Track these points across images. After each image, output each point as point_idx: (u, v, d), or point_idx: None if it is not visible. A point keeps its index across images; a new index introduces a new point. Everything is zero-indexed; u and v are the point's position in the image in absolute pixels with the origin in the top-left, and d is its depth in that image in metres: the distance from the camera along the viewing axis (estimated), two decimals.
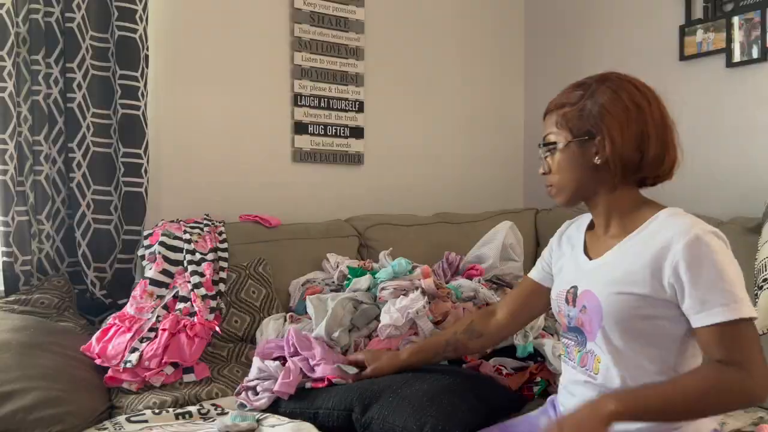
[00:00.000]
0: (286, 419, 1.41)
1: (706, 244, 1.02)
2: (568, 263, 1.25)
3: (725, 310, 0.99)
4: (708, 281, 1.00)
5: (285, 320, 1.90)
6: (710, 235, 1.03)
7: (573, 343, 1.19)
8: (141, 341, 1.69)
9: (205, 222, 2.13)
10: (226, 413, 1.46)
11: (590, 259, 1.19)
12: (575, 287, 1.18)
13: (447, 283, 2.06)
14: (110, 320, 1.78)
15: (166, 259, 1.93)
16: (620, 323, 1.09)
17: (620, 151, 1.11)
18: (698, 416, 1.05)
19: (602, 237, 1.19)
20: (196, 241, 2.00)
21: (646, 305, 1.06)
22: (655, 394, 1.00)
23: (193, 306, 1.81)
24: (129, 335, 1.71)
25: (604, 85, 1.15)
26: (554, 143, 1.19)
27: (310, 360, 1.57)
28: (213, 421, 1.44)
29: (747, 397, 1.00)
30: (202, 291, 1.85)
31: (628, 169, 1.12)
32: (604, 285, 1.12)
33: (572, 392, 1.19)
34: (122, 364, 1.61)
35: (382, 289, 1.84)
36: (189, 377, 1.67)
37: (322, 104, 2.55)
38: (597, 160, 1.13)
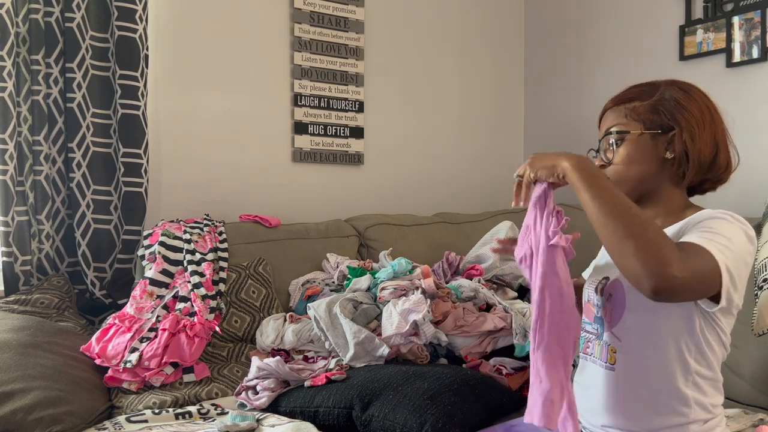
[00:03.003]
0: (286, 419, 1.41)
1: (723, 218, 1.03)
2: (607, 255, 1.26)
3: (700, 238, 0.98)
4: (704, 228, 1.02)
5: (285, 320, 1.90)
6: (733, 218, 1.04)
7: (594, 336, 1.20)
8: (141, 341, 1.69)
9: (205, 222, 2.13)
10: (226, 413, 1.46)
11: None
12: (607, 278, 1.19)
13: (447, 283, 2.06)
14: (110, 320, 1.78)
15: (166, 259, 1.93)
16: (638, 311, 1.09)
17: (699, 146, 1.13)
18: (622, 231, 0.98)
19: None
20: (196, 241, 2.00)
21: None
22: (611, 185, 1.02)
23: (193, 306, 1.81)
24: (129, 335, 1.71)
25: (674, 86, 1.18)
26: (625, 132, 1.17)
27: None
28: (213, 421, 1.44)
29: (656, 266, 0.92)
30: (202, 291, 1.85)
31: (702, 168, 1.14)
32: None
33: (586, 386, 1.19)
34: (122, 364, 1.61)
35: (382, 289, 1.84)
36: (189, 377, 1.67)
37: (322, 104, 2.55)
38: (668, 155, 1.14)
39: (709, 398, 1.08)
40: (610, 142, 1.19)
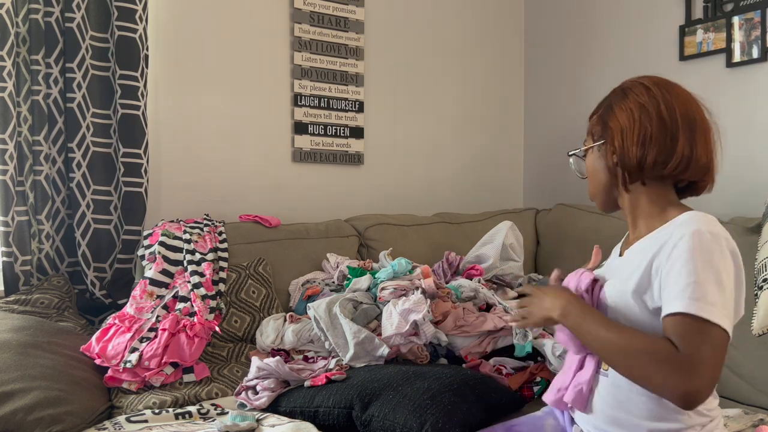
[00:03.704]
0: (286, 419, 1.41)
1: (699, 239, 0.99)
2: (609, 261, 1.28)
3: (689, 303, 0.96)
4: (687, 271, 0.98)
5: (285, 320, 1.90)
6: (711, 235, 1.00)
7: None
8: (141, 341, 1.69)
9: (205, 222, 2.13)
10: (226, 413, 1.46)
11: (620, 256, 1.22)
12: (599, 280, 1.20)
13: (447, 283, 2.06)
14: (110, 320, 1.78)
15: (165, 259, 1.93)
16: (618, 318, 1.10)
17: (620, 152, 1.12)
18: (623, 369, 1.02)
19: (631, 236, 1.21)
20: (196, 241, 2.00)
21: (642, 302, 1.06)
22: (601, 325, 1.03)
23: (192, 306, 1.81)
24: (129, 335, 1.71)
25: (620, 89, 1.17)
26: (577, 150, 1.24)
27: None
28: (213, 421, 1.44)
29: (677, 388, 0.94)
30: (202, 291, 1.85)
31: (633, 171, 1.12)
32: (612, 281, 1.14)
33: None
34: (122, 364, 1.61)
35: (382, 289, 1.84)
36: (189, 377, 1.67)
37: (322, 104, 2.55)
38: (609, 163, 1.16)
39: (704, 404, 1.08)
40: (571, 162, 1.25)
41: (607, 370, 1.13)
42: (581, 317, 1.08)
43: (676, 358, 0.95)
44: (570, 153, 1.26)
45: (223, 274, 1.97)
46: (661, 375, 0.95)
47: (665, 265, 1.01)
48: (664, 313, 1.00)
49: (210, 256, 1.97)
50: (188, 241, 1.99)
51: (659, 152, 1.09)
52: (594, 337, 1.05)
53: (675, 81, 1.17)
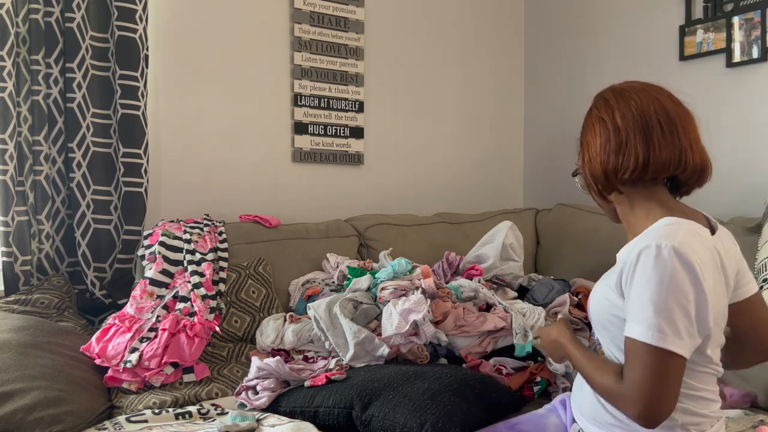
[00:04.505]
0: (286, 419, 1.41)
1: (655, 256, 0.99)
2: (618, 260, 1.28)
3: (633, 326, 1.01)
4: (635, 292, 1.01)
5: (285, 320, 1.90)
6: (669, 251, 0.99)
7: (592, 332, 1.24)
8: (141, 341, 1.69)
9: (205, 222, 2.13)
10: (226, 413, 1.46)
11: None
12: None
13: (447, 283, 2.06)
14: (110, 320, 1.78)
15: (166, 259, 1.93)
16: (598, 321, 1.14)
17: (588, 166, 1.16)
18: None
19: (628, 240, 1.21)
20: (196, 241, 2.00)
21: (615, 308, 1.09)
22: (579, 362, 1.15)
23: (193, 306, 1.81)
24: (129, 335, 1.71)
25: (591, 105, 1.21)
26: (575, 170, 1.26)
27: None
28: (213, 421, 1.44)
29: (627, 413, 1.03)
30: (202, 291, 1.85)
31: (598, 181, 1.15)
32: (599, 285, 1.17)
33: (582, 383, 1.21)
34: (122, 364, 1.61)
35: (382, 289, 1.84)
36: (189, 377, 1.67)
37: (322, 104, 2.55)
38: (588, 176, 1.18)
39: (699, 408, 1.08)
40: (576, 180, 1.26)
41: None
42: (571, 357, 1.20)
43: (617, 390, 1.03)
44: (573, 174, 1.29)
45: (223, 274, 1.97)
46: (613, 405, 1.06)
47: (625, 284, 1.05)
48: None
49: (210, 256, 1.97)
50: (188, 241, 1.99)
51: (616, 159, 1.11)
52: (580, 372, 1.16)
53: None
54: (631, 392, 1.00)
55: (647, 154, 1.09)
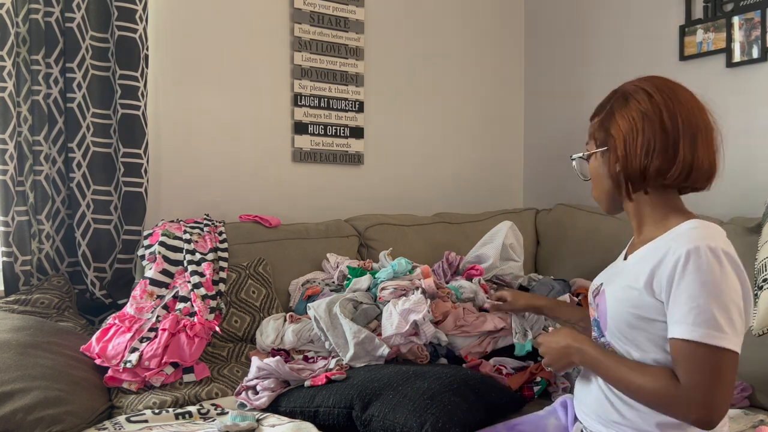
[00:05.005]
0: (286, 419, 1.41)
1: (700, 257, 0.99)
2: (614, 262, 1.28)
3: (693, 329, 0.98)
4: (688, 295, 0.99)
5: (285, 320, 1.90)
6: (711, 252, 1.00)
7: (596, 334, 1.22)
8: (141, 341, 1.69)
9: (205, 222, 2.13)
10: (226, 413, 1.46)
11: (625, 260, 1.21)
12: (602, 284, 1.21)
13: (447, 283, 2.06)
14: (110, 320, 1.78)
15: (166, 259, 1.93)
16: (619, 323, 1.11)
17: (623, 162, 1.11)
18: (639, 402, 1.08)
19: (636, 240, 1.20)
20: (196, 241, 2.00)
21: (642, 309, 1.07)
22: (610, 367, 1.10)
23: (193, 306, 1.81)
24: (129, 335, 1.71)
25: (622, 93, 1.14)
26: (580, 156, 1.24)
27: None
28: (213, 421, 1.44)
29: (685, 419, 1.01)
30: (202, 291, 1.85)
31: (635, 180, 1.12)
32: (614, 285, 1.15)
33: (590, 380, 1.20)
34: (122, 364, 1.61)
35: (382, 289, 1.84)
36: (189, 377, 1.67)
37: (322, 104, 2.55)
38: (612, 171, 1.15)
39: None
40: (574, 164, 1.24)
41: None
42: (593, 360, 1.14)
43: (676, 394, 1.00)
44: (573, 157, 1.25)
45: (223, 274, 1.97)
46: (664, 410, 1.03)
47: (665, 287, 1.03)
48: (669, 335, 1.03)
49: (210, 256, 1.97)
50: (188, 241, 1.99)
51: (662, 162, 1.08)
52: (606, 375, 1.12)
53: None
54: (693, 396, 0.98)
55: (692, 161, 1.08)
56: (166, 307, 1.82)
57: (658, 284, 1.04)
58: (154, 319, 1.76)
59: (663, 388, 1.01)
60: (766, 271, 1.63)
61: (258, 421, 1.40)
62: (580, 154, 1.24)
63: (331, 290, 2.00)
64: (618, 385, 1.09)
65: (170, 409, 1.49)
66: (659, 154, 1.08)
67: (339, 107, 2.59)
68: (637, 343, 1.09)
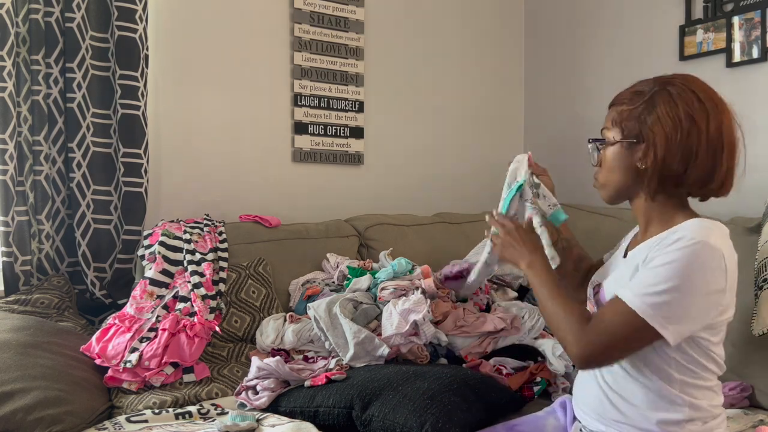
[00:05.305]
0: (286, 419, 1.41)
1: (689, 246, 1.00)
2: (613, 259, 1.27)
3: (633, 296, 1.02)
4: (657, 271, 1.02)
5: (285, 320, 1.90)
6: (704, 245, 1.00)
7: None
8: (141, 341, 1.69)
9: (205, 222, 2.13)
10: (226, 413, 1.46)
11: (625, 257, 1.21)
12: (601, 280, 1.21)
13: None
14: (110, 320, 1.78)
15: (166, 259, 1.93)
16: None
17: (661, 163, 1.08)
18: (547, 320, 1.16)
19: (640, 238, 1.18)
20: (196, 241, 2.00)
21: None
22: (546, 285, 1.17)
23: (193, 306, 1.81)
24: (129, 335, 1.70)
25: (666, 89, 1.10)
26: (601, 140, 1.19)
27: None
28: (213, 421, 1.44)
29: (564, 341, 1.09)
30: (202, 291, 1.85)
31: (667, 182, 1.10)
32: (612, 281, 1.15)
33: (587, 379, 1.20)
34: (122, 364, 1.61)
35: (382, 289, 1.84)
36: (189, 377, 1.67)
37: (322, 104, 2.55)
38: (640, 165, 1.11)
39: (705, 400, 1.08)
40: (589, 148, 1.21)
41: None
42: (539, 274, 1.20)
43: (579, 329, 1.07)
44: (591, 140, 1.20)
45: (223, 274, 1.97)
46: (560, 336, 1.10)
47: (647, 261, 1.05)
48: (618, 293, 1.06)
49: (210, 256, 1.97)
50: (188, 241, 1.99)
51: (702, 171, 1.08)
52: (539, 291, 1.18)
53: None
54: (592, 340, 1.04)
55: (727, 173, 1.12)
56: (166, 307, 1.82)
57: (645, 264, 1.05)
58: (154, 319, 1.76)
59: (571, 320, 1.08)
60: (766, 271, 1.63)
61: (258, 421, 1.40)
62: (600, 140, 1.19)
63: (331, 290, 2.00)
64: (542, 300, 1.16)
65: (170, 409, 1.49)
66: (701, 163, 1.07)
67: (339, 107, 2.59)
68: None
